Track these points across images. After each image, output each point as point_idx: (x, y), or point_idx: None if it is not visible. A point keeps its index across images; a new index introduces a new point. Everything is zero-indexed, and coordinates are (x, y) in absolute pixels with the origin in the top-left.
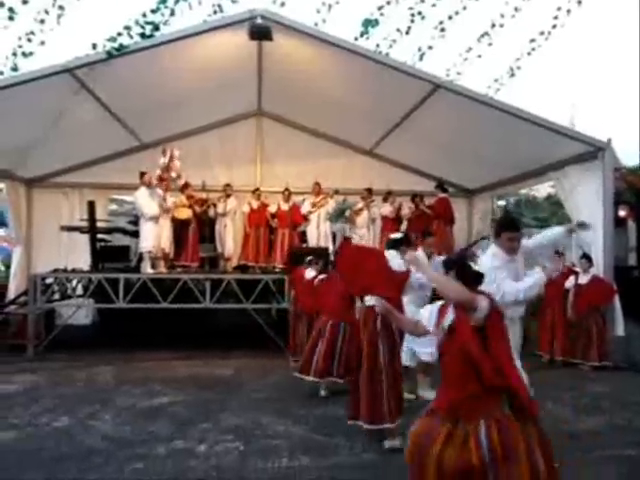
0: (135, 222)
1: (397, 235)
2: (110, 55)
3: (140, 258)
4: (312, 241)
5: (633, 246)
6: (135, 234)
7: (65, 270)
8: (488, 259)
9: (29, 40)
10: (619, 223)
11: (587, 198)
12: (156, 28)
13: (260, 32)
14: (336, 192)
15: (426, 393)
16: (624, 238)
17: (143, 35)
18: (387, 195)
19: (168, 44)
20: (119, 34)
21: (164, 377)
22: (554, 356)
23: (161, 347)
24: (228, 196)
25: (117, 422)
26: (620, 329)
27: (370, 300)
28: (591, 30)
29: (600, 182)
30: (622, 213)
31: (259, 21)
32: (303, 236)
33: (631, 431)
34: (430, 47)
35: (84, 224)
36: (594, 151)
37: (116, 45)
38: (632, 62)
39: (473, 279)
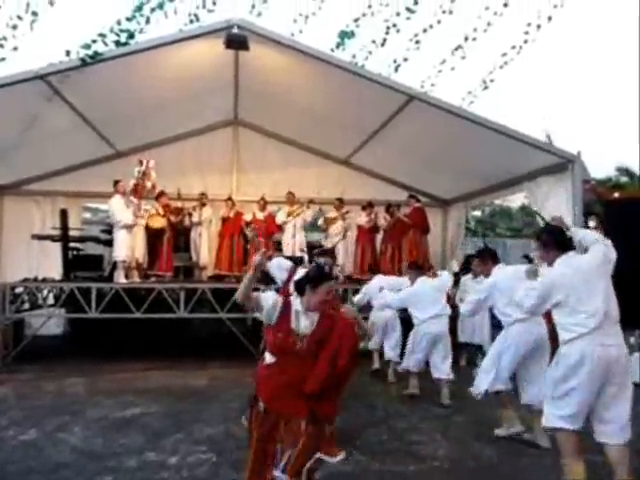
0: (109, 231)
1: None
2: (84, 62)
3: (113, 267)
4: (287, 251)
5: None
6: (109, 243)
7: (35, 279)
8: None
9: (1, 46)
10: None
11: (558, 209)
12: (131, 36)
13: (236, 42)
14: (310, 202)
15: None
16: None
17: (118, 43)
18: (367, 205)
19: (144, 52)
20: (93, 41)
21: (137, 388)
22: None
23: (134, 358)
24: (203, 205)
25: (87, 434)
26: None
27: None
28: (562, 45)
29: (570, 193)
30: (591, 224)
31: (235, 31)
32: (278, 245)
33: None
34: (405, 59)
35: (56, 232)
36: (564, 163)
37: (90, 52)
38: (600, 77)
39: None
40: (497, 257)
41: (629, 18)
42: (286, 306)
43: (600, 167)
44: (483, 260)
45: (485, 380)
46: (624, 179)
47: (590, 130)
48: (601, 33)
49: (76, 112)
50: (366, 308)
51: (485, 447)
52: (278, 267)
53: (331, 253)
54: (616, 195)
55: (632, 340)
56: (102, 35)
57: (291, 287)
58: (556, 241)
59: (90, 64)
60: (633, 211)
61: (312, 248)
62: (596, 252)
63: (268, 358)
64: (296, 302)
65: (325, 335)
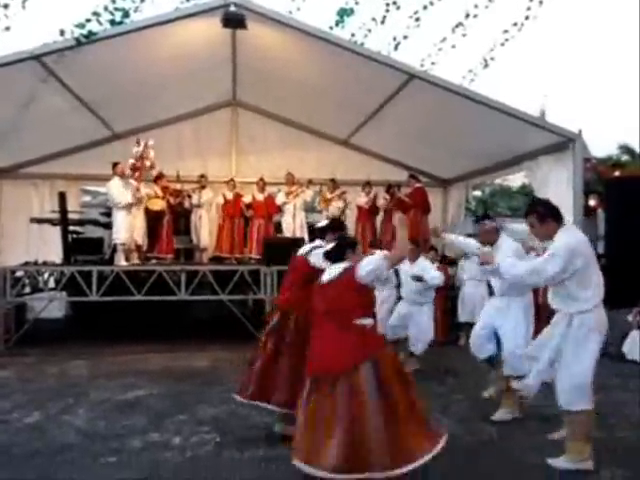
0: (108, 214)
1: (323, 223)
2: (79, 42)
3: (113, 250)
4: (288, 232)
5: (602, 235)
6: (108, 226)
7: (36, 263)
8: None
9: None
10: (589, 212)
11: (558, 188)
12: (126, 15)
13: (234, 20)
14: (310, 182)
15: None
16: (593, 227)
17: (113, 22)
18: (365, 185)
19: (139, 31)
20: (88, 20)
21: (139, 370)
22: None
23: (136, 340)
24: (203, 187)
25: (90, 416)
26: None
27: None
28: (563, 23)
29: (571, 172)
30: (592, 203)
31: (232, 9)
32: (278, 227)
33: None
34: (405, 37)
35: (55, 216)
36: (565, 142)
37: (85, 32)
38: (602, 55)
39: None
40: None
41: None
42: None
43: (601, 145)
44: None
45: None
46: (625, 157)
47: (591, 108)
48: (602, 11)
49: (72, 94)
50: None
51: (485, 424)
52: None
53: (341, 224)
54: (617, 174)
55: (629, 318)
56: (96, 14)
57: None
58: (553, 212)
59: (85, 44)
60: (634, 189)
61: (312, 229)
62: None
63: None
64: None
65: None
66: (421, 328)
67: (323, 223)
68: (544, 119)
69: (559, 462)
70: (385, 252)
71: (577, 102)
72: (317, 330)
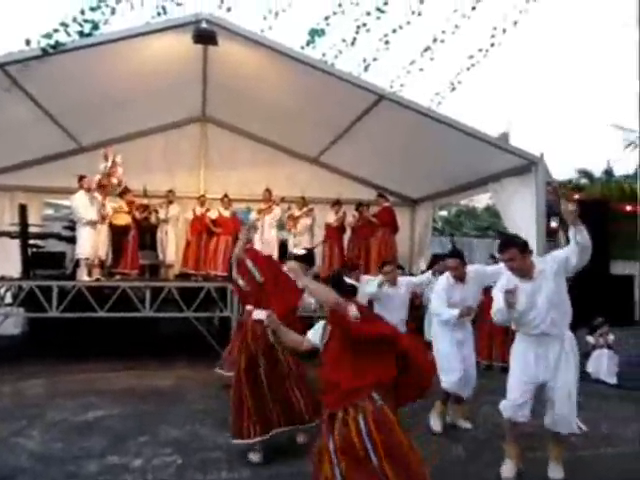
0: (71, 227)
1: (300, 251)
2: (45, 52)
3: (76, 265)
4: (257, 249)
5: None
6: (71, 240)
7: None
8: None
9: None
10: (550, 234)
11: (522, 209)
12: (95, 27)
13: (205, 36)
14: (282, 199)
15: None
16: (555, 248)
17: (81, 33)
18: (335, 203)
19: (108, 44)
20: (55, 31)
21: (100, 389)
22: (492, 362)
23: (98, 358)
24: (170, 202)
25: (46, 438)
26: None
27: (259, 314)
28: (527, 51)
29: (534, 194)
30: (553, 224)
31: (204, 25)
32: (249, 243)
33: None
34: (375, 59)
35: (14, 229)
36: (528, 165)
37: (52, 42)
38: (562, 82)
39: (347, 290)
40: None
41: (592, 24)
42: None
43: (561, 169)
44: (463, 262)
45: None
46: (584, 181)
47: (551, 134)
48: (564, 38)
49: (37, 104)
50: None
51: (452, 444)
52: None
53: (310, 257)
54: (577, 197)
55: (589, 338)
56: (64, 25)
57: None
58: (527, 245)
59: (52, 54)
60: (593, 212)
61: (283, 246)
62: None
63: None
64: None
65: None
66: None
67: (301, 252)
68: (508, 142)
69: None
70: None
71: (538, 128)
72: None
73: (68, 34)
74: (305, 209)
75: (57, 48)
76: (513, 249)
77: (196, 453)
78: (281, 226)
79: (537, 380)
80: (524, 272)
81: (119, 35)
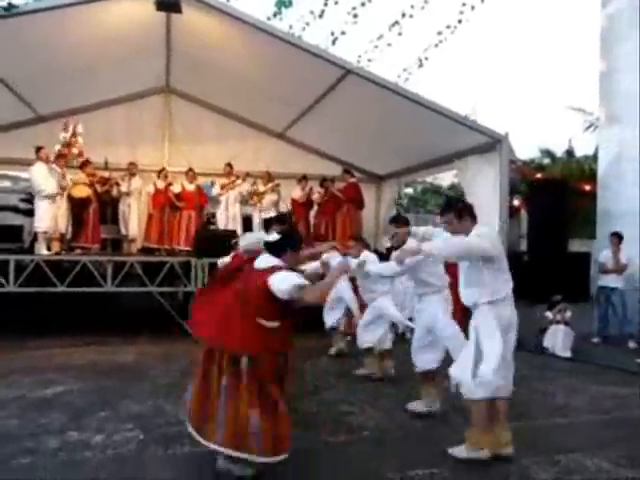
0: (29, 200)
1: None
2: None
3: (34, 239)
4: (221, 224)
5: (524, 233)
6: (29, 213)
7: None
8: None
9: None
10: (512, 212)
11: (486, 187)
12: None
13: (168, 3)
14: (247, 175)
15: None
16: (516, 227)
17: None
18: (301, 179)
19: (65, 8)
20: None
21: (59, 365)
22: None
23: (57, 334)
24: (132, 175)
25: (2, 415)
26: None
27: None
28: (493, 30)
29: (497, 172)
30: (516, 203)
31: None
32: (212, 218)
33: (517, 404)
34: (343, 32)
35: None
36: (492, 143)
37: (4, 4)
38: (525, 64)
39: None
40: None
41: (557, 6)
42: None
43: (525, 149)
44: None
45: None
46: (546, 160)
47: (515, 114)
48: (529, 18)
49: None
50: None
51: (412, 417)
52: None
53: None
54: (539, 176)
55: (548, 313)
56: None
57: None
58: (469, 210)
59: (4, 17)
60: (554, 191)
61: (247, 221)
62: None
63: None
64: None
65: None
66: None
67: (270, 214)
68: (474, 120)
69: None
70: (309, 277)
71: (503, 107)
72: (220, 297)
73: None
74: (271, 185)
75: (10, 11)
76: (450, 214)
77: (159, 428)
78: (245, 201)
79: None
80: (460, 234)
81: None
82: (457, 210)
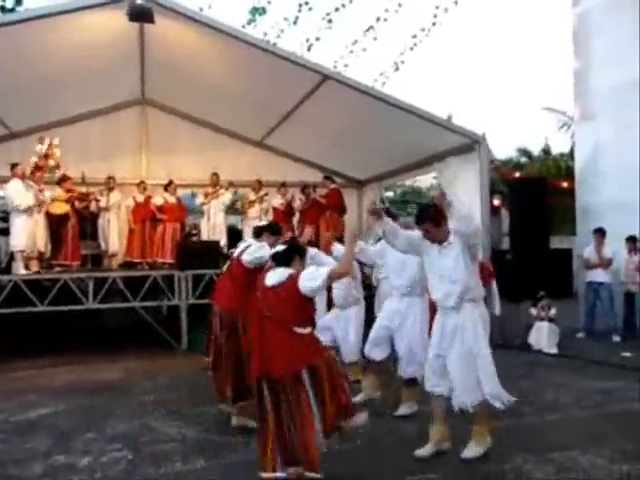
0: (4, 218)
1: (262, 223)
2: None
3: (11, 258)
4: (204, 234)
5: (505, 232)
6: (4, 232)
7: None
8: None
9: None
10: (493, 211)
11: (466, 188)
12: (19, 2)
13: (140, 13)
14: (230, 184)
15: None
16: (498, 225)
17: (3, 9)
18: (281, 187)
19: (34, 21)
20: None
21: (41, 386)
22: None
23: (38, 354)
24: (111, 189)
25: None
26: (497, 309)
27: None
28: (469, 32)
29: (477, 173)
30: (496, 202)
31: (139, 1)
32: (195, 228)
33: None
34: (317, 38)
35: None
36: (471, 144)
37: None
38: (501, 65)
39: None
40: None
41: (529, 6)
42: None
43: (502, 149)
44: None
45: None
46: (524, 160)
47: (491, 114)
48: (504, 19)
49: None
50: None
51: (403, 422)
52: None
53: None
54: (517, 175)
55: (532, 310)
56: None
57: None
58: (444, 216)
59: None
60: (532, 189)
61: (232, 231)
62: None
63: None
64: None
65: None
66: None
67: (262, 223)
68: (451, 122)
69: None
70: (331, 267)
71: (479, 109)
72: (259, 332)
73: None
74: (262, 193)
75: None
76: (427, 223)
77: (147, 446)
78: (233, 211)
79: (439, 352)
80: (440, 239)
81: (45, 11)
82: (433, 219)
